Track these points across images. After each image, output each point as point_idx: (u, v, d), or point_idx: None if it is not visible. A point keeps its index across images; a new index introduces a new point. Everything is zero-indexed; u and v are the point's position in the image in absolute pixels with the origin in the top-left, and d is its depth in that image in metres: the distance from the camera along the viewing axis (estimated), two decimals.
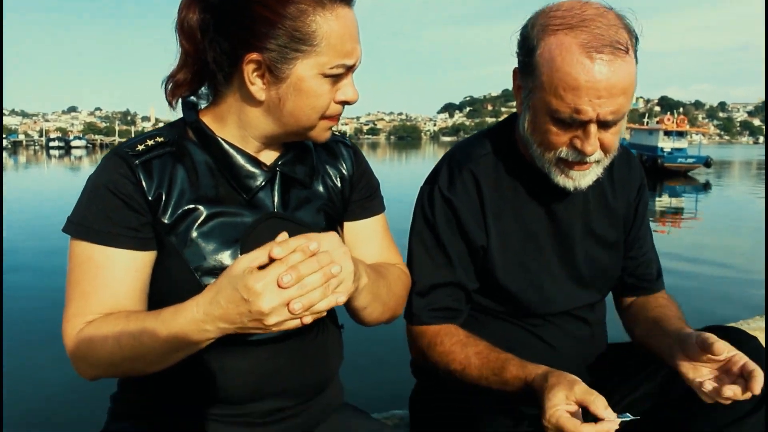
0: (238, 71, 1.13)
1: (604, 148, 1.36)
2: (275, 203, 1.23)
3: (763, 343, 1.52)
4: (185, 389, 1.19)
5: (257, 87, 1.14)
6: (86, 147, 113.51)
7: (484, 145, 1.56)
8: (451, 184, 1.50)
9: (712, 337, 1.27)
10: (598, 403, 1.15)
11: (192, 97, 1.25)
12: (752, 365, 1.23)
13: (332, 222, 1.31)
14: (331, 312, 1.08)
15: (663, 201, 21.20)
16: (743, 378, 1.24)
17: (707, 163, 37.22)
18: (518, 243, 1.52)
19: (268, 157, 1.26)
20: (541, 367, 1.30)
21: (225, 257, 1.16)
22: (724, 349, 1.25)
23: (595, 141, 1.34)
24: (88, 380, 1.18)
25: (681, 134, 41.55)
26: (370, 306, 1.25)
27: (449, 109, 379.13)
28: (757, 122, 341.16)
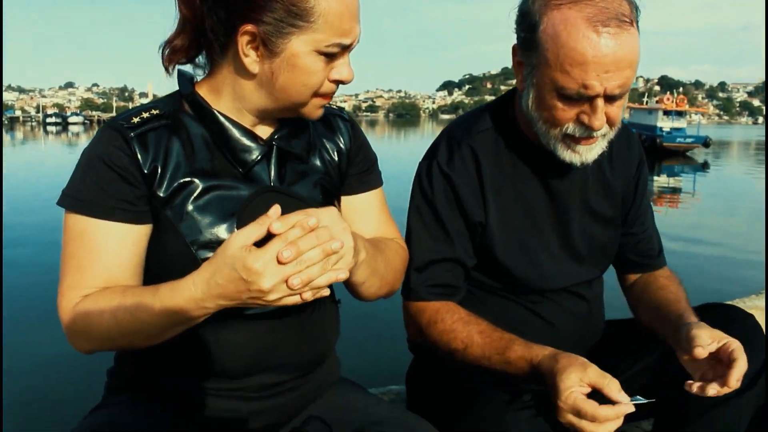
0: (233, 42, 1.12)
1: (610, 122, 1.35)
2: (272, 177, 1.22)
3: (760, 320, 1.53)
4: (182, 363, 1.19)
5: (251, 59, 1.12)
6: (83, 123, 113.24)
7: (484, 120, 1.54)
8: (450, 159, 1.49)
9: (697, 338, 1.27)
10: (612, 387, 1.16)
11: (188, 70, 1.23)
12: (736, 356, 1.23)
13: (329, 196, 1.30)
14: (328, 287, 1.08)
15: (661, 180, 21.20)
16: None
17: (706, 143, 37.21)
18: (517, 219, 1.51)
19: (265, 130, 1.25)
20: (547, 348, 1.30)
21: (221, 231, 1.15)
22: (704, 353, 1.25)
23: (602, 115, 1.32)
24: (84, 354, 1.18)
25: (680, 114, 41.49)
26: (368, 281, 1.25)
27: (448, 86, 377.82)
28: (756, 103, 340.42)
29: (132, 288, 1.12)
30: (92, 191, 1.12)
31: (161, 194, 1.15)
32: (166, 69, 1.20)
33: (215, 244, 1.12)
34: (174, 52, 1.18)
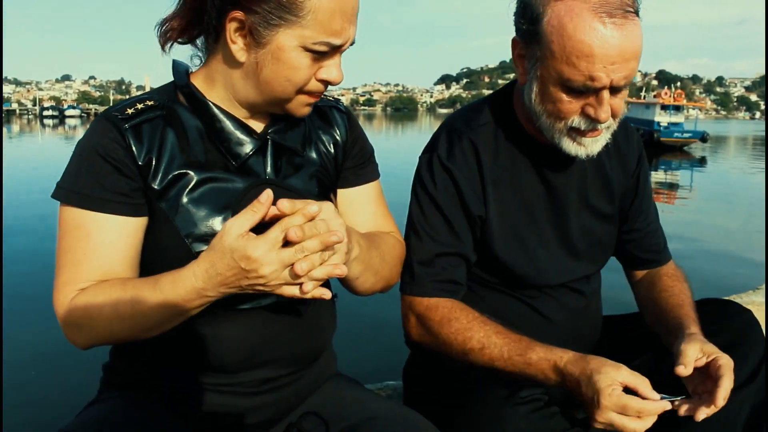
0: (224, 28, 1.11)
1: (613, 113, 1.34)
2: (267, 170, 1.21)
3: (758, 316, 1.53)
4: (177, 358, 1.19)
5: (237, 47, 1.11)
6: (81, 116, 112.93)
7: (484, 114, 1.53)
8: (451, 153, 1.48)
9: (683, 355, 1.27)
10: (646, 385, 1.19)
11: (183, 61, 1.23)
12: (722, 373, 1.23)
13: (325, 189, 1.30)
14: (325, 282, 1.08)
15: (658, 175, 21.21)
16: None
17: (703, 138, 37.24)
18: (515, 214, 1.50)
19: (259, 123, 1.24)
20: (567, 350, 1.30)
21: (216, 223, 1.14)
22: (685, 372, 1.26)
23: (608, 107, 1.31)
24: (81, 349, 1.18)
25: (678, 109, 41.46)
26: (362, 276, 1.24)
27: (446, 80, 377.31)
28: (754, 98, 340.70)
29: (131, 280, 1.12)
30: (88, 184, 1.12)
31: (156, 186, 1.14)
32: (162, 47, 1.19)
33: (210, 237, 1.12)
34: (170, 31, 1.17)
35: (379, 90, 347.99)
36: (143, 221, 1.16)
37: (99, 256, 1.12)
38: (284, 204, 1.00)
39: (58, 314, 1.14)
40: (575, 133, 1.37)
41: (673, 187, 18.30)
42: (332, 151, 1.33)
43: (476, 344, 1.37)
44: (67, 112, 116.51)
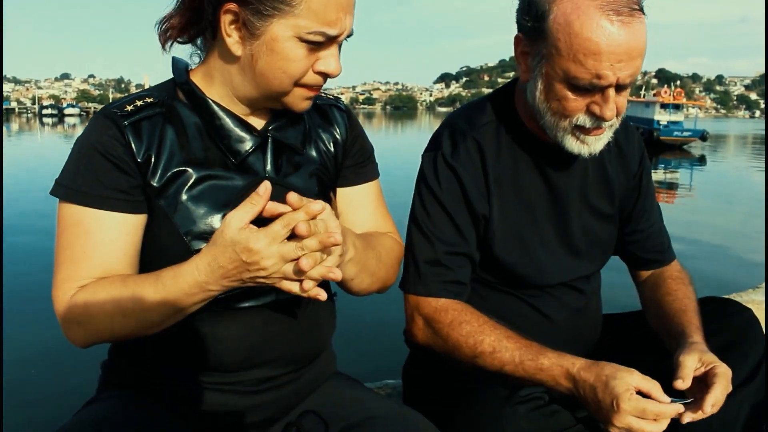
0: (219, 22, 1.10)
1: (617, 111, 1.33)
2: (267, 168, 1.21)
3: (759, 314, 1.52)
4: (176, 357, 1.18)
5: (233, 40, 1.11)
6: (80, 115, 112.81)
7: (486, 112, 1.52)
8: (455, 151, 1.47)
9: (682, 366, 1.28)
10: (658, 389, 1.21)
11: (183, 58, 1.23)
12: (714, 381, 1.24)
13: (325, 187, 1.29)
14: (324, 282, 1.08)
15: (658, 174, 21.20)
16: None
17: (703, 136, 37.24)
18: (516, 214, 1.50)
19: (259, 121, 1.23)
20: (578, 357, 1.30)
21: (215, 221, 1.14)
22: (683, 386, 1.26)
23: (614, 105, 1.31)
24: (80, 347, 1.17)
25: (677, 107, 41.46)
26: (358, 277, 1.24)
27: (445, 79, 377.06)
28: (753, 96, 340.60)
29: (131, 276, 1.12)
30: (87, 181, 1.11)
31: (155, 184, 1.14)
32: (162, 46, 1.19)
33: (209, 234, 1.11)
34: (170, 29, 1.17)
35: (378, 88, 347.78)
36: (142, 218, 1.15)
37: (98, 254, 1.12)
38: (293, 197, 1.00)
39: (57, 312, 1.13)
40: (579, 131, 1.36)
41: (672, 185, 18.29)
42: (332, 149, 1.33)
43: (487, 347, 1.36)
44: (66, 111, 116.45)
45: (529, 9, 1.33)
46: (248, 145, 1.19)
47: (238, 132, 1.19)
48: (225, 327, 1.17)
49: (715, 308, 1.55)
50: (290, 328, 1.22)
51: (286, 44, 1.09)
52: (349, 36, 1.15)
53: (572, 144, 1.38)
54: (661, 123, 38.54)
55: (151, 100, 1.18)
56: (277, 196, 1.01)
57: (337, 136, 1.34)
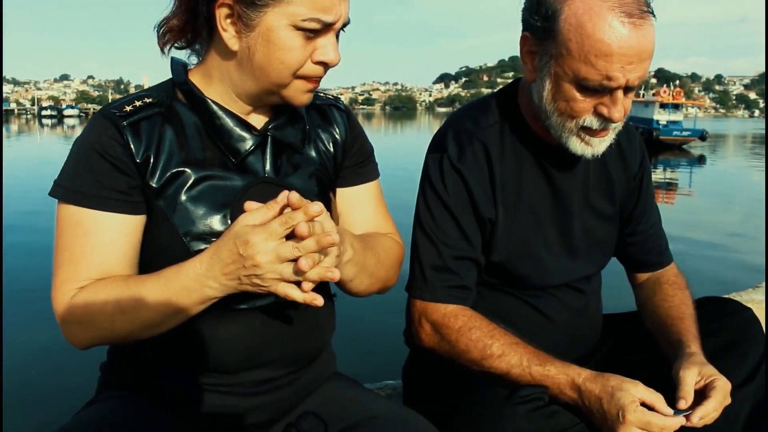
0: (215, 19, 1.10)
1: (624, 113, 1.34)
2: (266, 168, 1.21)
3: (759, 314, 1.52)
4: (176, 358, 1.18)
5: (229, 34, 1.10)
6: (79, 116, 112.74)
7: (491, 113, 1.51)
8: (461, 154, 1.45)
9: (682, 383, 1.28)
10: (662, 401, 1.23)
11: (182, 58, 1.22)
12: (709, 394, 1.25)
13: (324, 188, 1.29)
14: (323, 283, 1.08)
15: (658, 174, 21.20)
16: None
17: (702, 136, 37.24)
18: (521, 215, 1.49)
19: (259, 120, 1.23)
20: (583, 368, 1.32)
21: (215, 222, 1.14)
22: (685, 406, 1.26)
23: (621, 107, 1.30)
24: (80, 348, 1.17)
25: (677, 107, 41.44)
26: (357, 278, 1.24)
27: (445, 79, 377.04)
28: (753, 95, 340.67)
29: (133, 276, 1.12)
30: (86, 182, 1.11)
31: (154, 184, 1.13)
32: (161, 49, 1.19)
33: (208, 235, 1.12)
34: (168, 32, 1.17)
35: (378, 89, 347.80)
36: (141, 219, 1.15)
37: (97, 254, 1.11)
38: (295, 197, 1.00)
39: (56, 313, 1.13)
40: (585, 132, 1.36)
41: (672, 185, 18.29)
42: (331, 149, 1.32)
43: (496, 350, 1.37)
44: (66, 112, 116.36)
45: (538, 8, 1.32)
46: (248, 144, 1.19)
47: (238, 131, 1.19)
48: (225, 328, 1.16)
49: (715, 308, 1.55)
50: (290, 329, 1.22)
51: (282, 33, 1.08)
52: (345, 25, 1.15)
53: (576, 145, 1.38)
54: (660, 123, 38.54)
55: (150, 100, 1.18)
56: (277, 195, 1.02)
57: (337, 136, 1.34)
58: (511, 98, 1.52)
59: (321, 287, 1.27)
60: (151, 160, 1.13)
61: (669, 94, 42.57)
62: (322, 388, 1.33)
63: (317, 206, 1.00)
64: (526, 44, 1.38)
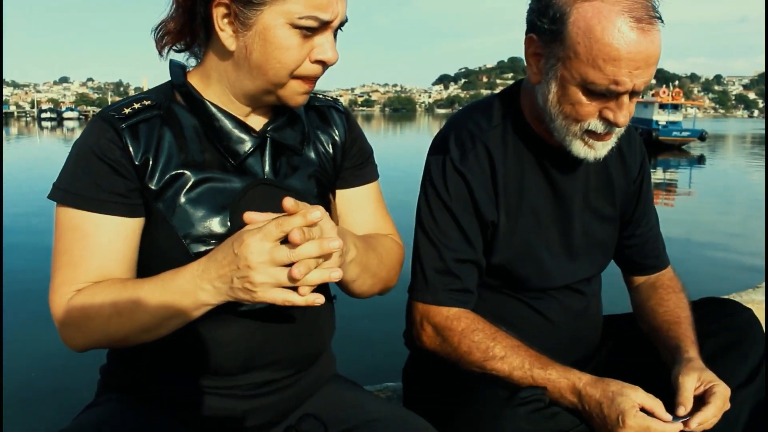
0: (212, 19, 1.10)
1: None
2: (266, 170, 1.20)
3: (759, 314, 1.52)
4: (175, 360, 1.18)
5: (226, 34, 1.10)
6: (78, 118, 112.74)
7: (494, 115, 1.50)
8: (464, 156, 1.44)
9: (682, 390, 1.29)
10: (661, 407, 1.24)
11: (180, 61, 1.22)
12: (708, 401, 1.26)
13: (324, 189, 1.29)
14: (323, 284, 1.08)
15: (657, 174, 21.21)
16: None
17: (702, 136, 37.26)
18: (522, 217, 1.48)
19: (258, 121, 1.23)
20: (584, 373, 1.32)
21: (214, 224, 1.13)
22: (684, 413, 1.27)
23: (627, 112, 1.30)
24: (77, 351, 1.17)
25: (676, 107, 41.43)
26: (360, 278, 1.23)
27: (444, 80, 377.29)
28: (752, 96, 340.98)
29: (131, 279, 1.12)
30: (85, 184, 1.11)
31: (153, 187, 1.13)
32: (159, 52, 1.19)
33: (208, 237, 1.11)
34: (166, 35, 1.17)
35: (377, 90, 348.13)
36: (140, 222, 1.15)
37: (96, 257, 1.11)
38: (289, 202, 0.98)
39: (54, 315, 1.13)
40: (589, 136, 1.35)
41: (672, 185, 18.30)
42: (331, 151, 1.32)
43: (499, 353, 1.37)
44: (65, 115, 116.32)
45: (545, 10, 1.31)
46: (247, 146, 1.19)
47: (237, 133, 1.19)
48: (224, 330, 1.16)
49: (715, 308, 1.55)
50: (289, 331, 1.22)
51: (279, 32, 1.08)
52: (343, 24, 1.14)
53: (579, 148, 1.37)
54: (659, 123, 38.54)
55: (149, 102, 1.18)
56: (276, 198, 1.01)
57: (336, 138, 1.33)
58: (513, 100, 1.51)
59: (321, 288, 1.27)
60: (150, 163, 1.13)
61: (668, 95, 42.55)
62: (322, 390, 1.33)
63: (317, 213, 0.99)
64: (532, 46, 1.37)
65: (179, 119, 1.18)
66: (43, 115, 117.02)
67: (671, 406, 1.27)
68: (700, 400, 1.28)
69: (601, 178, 1.55)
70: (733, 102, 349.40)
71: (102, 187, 1.11)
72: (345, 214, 1.35)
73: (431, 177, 1.48)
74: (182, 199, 1.13)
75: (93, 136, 1.13)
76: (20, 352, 4.64)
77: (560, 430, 1.30)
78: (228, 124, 1.18)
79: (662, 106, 40.81)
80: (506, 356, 1.36)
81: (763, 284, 3.47)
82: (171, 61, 1.22)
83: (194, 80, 1.20)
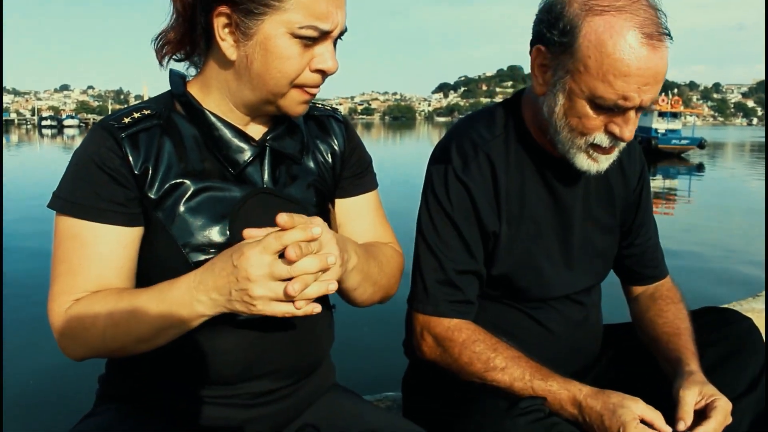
0: (213, 28, 1.10)
1: None
2: (265, 179, 1.21)
3: (758, 323, 1.52)
4: (174, 370, 1.17)
5: (227, 44, 1.10)
6: (79, 126, 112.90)
7: (496, 124, 1.49)
8: (466, 166, 1.44)
9: (682, 403, 1.29)
10: (661, 419, 1.24)
11: (180, 70, 1.23)
12: (709, 415, 1.26)
13: (323, 199, 1.29)
14: (321, 304, 1.08)
15: (657, 182, 21.22)
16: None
17: (701, 144, 37.28)
18: (524, 227, 1.48)
19: (257, 131, 1.23)
20: (584, 384, 1.32)
21: (213, 233, 1.13)
22: (684, 427, 1.27)
23: (632, 127, 1.30)
24: (75, 361, 1.17)
25: (675, 115, 41.46)
26: (361, 287, 1.23)
27: (444, 89, 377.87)
28: (751, 104, 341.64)
29: (128, 289, 1.12)
30: (84, 194, 1.11)
31: (152, 196, 1.13)
32: (159, 62, 1.19)
33: (207, 246, 1.11)
34: (166, 44, 1.17)
35: (377, 99, 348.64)
36: (140, 231, 1.15)
37: (95, 266, 1.11)
38: (282, 218, 0.98)
39: (52, 324, 1.12)
40: (593, 149, 1.35)
41: (671, 194, 18.29)
42: (330, 160, 1.32)
43: (499, 363, 1.36)
44: (66, 122, 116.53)
45: (556, 22, 1.30)
46: (247, 155, 1.19)
47: (237, 142, 1.19)
48: (222, 339, 1.16)
49: (715, 318, 1.54)
50: (288, 340, 1.22)
51: (279, 42, 1.08)
52: (342, 33, 1.15)
53: (583, 161, 1.37)
54: (659, 131, 38.57)
55: (149, 112, 1.18)
56: (276, 207, 1.01)
57: (335, 147, 1.33)
58: (514, 109, 1.51)
59: (320, 298, 1.27)
60: (150, 172, 1.13)
61: (667, 103, 42.58)
62: (321, 400, 1.33)
63: (317, 228, 1.00)
64: (539, 57, 1.36)
65: (179, 129, 1.18)
66: (44, 123, 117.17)
67: (671, 417, 1.27)
68: (701, 414, 1.27)
69: (601, 188, 1.55)
70: (732, 110, 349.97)
71: (101, 196, 1.11)
72: (344, 223, 1.35)
73: (433, 186, 1.47)
74: (182, 208, 1.13)
75: (93, 145, 1.13)
76: (15, 360, 4.63)
77: None
78: (227, 133, 1.18)
79: (661, 114, 40.84)
80: (507, 367, 1.35)
81: (763, 293, 3.46)
82: (171, 70, 1.22)
83: (194, 90, 1.20)
